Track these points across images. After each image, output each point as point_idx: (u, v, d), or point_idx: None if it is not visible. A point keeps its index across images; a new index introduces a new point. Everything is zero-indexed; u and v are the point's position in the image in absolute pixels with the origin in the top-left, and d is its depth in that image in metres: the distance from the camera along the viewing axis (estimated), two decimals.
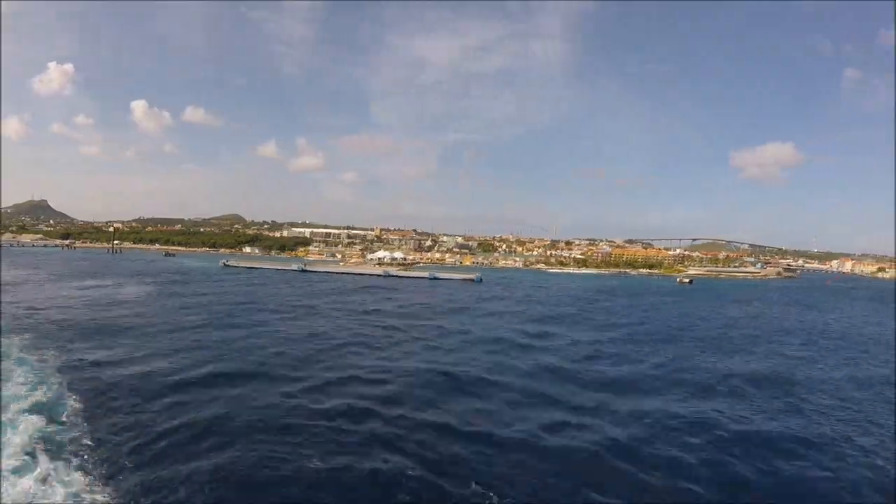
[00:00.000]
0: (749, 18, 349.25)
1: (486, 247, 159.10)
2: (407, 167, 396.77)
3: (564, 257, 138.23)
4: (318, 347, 25.64)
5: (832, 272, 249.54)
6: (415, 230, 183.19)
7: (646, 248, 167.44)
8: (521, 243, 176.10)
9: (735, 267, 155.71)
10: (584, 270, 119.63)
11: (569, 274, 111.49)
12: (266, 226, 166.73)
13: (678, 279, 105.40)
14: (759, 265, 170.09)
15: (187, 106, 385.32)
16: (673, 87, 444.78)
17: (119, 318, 31.45)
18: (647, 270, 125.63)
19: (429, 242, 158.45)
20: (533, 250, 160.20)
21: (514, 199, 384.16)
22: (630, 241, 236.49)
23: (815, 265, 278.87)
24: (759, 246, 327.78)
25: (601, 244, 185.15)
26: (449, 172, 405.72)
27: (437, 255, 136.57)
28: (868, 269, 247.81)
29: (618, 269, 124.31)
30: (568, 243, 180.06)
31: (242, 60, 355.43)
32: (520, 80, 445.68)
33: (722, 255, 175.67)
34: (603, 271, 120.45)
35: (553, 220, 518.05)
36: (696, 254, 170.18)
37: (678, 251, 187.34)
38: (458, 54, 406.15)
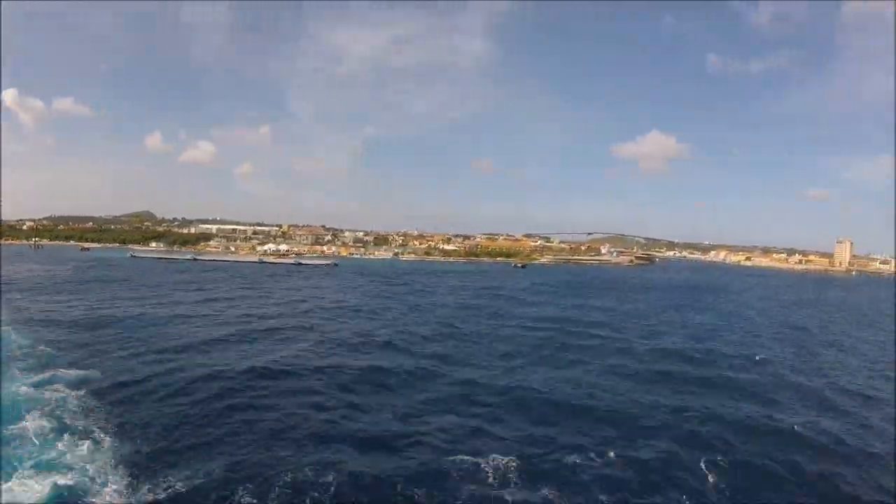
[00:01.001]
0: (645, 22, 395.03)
1: (380, 241, 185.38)
2: (325, 162, 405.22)
3: (444, 249, 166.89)
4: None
5: (699, 261, 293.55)
6: (323, 226, 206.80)
7: (519, 241, 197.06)
8: (421, 238, 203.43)
9: (591, 256, 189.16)
10: (440, 258, 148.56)
11: (421, 260, 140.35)
12: (176, 223, 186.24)
13: (512, 264, 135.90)
14: (614, 254, 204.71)
15: (82, 96, 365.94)
16: (582, 85, 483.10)
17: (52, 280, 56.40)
18: (503, 258, 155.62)
19: (328, 237, 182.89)
20: (427, 243, 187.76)
21: (433, 195, 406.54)
22: (528, 236, 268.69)
23: (697, 255, 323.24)
24: (654, 239, 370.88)
25: (478, 238, 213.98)
26: (368, 167, 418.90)
27: (332, 249, 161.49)
28: (735, 258, 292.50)
29: (476, 258, 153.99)
30: (459, 237, 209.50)
31: (151, 46, 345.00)
32: (441, 76, 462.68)
33: (584, 248, 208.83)
34: (461, 259, 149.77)
35: (468, 215, 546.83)
36: (563, 245, 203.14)
37: (559, 243, 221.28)
38: (379, 47, 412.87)
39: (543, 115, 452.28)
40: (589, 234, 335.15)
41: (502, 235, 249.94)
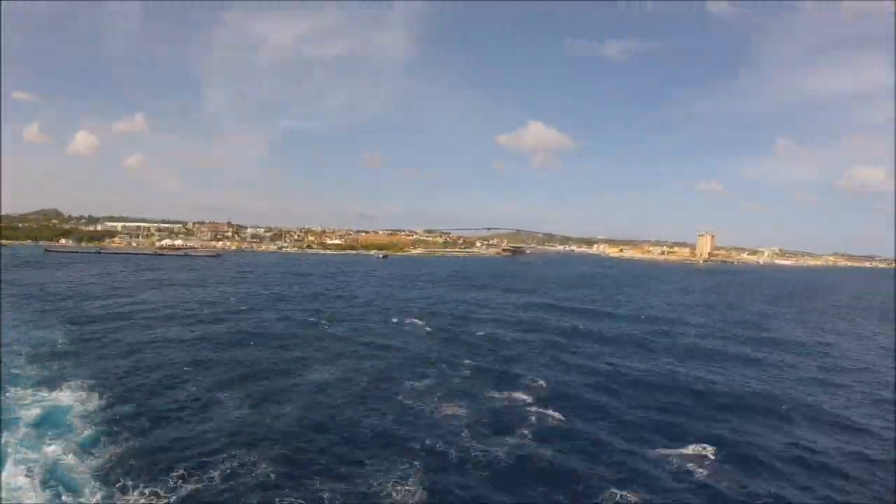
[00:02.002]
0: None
1: (277, 237, 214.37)
2: (238, 156, 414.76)
3: (325, 243, 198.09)
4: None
5: (583, 253, 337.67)
6: (228, 222, 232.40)
7: (395, 235, 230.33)
8: (322, 233, 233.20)
9: (462, 248, 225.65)
10: (319, 251, 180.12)
11: (303, 253, 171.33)
12: (83, 220, 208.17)
13: (375, 255, 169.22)
14: (484, 247, 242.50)
15: None
16: (492, 85, 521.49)
17: None
18: (377, 250, 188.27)
19: (229, 233, 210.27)
20: (328, 239, 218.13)
21: (348, 190, 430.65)
22: (429, 231, 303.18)
23: (584, 249, 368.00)
24: (551, 234, 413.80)
25: (380, 233, 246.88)
26: (283, 161, 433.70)
27: (227, 244, 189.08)
28: (611, 251, 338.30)
29: (354, 250, 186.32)
30: (361, 232, 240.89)
31: (58, 30, 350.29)
32: (360, 69, 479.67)
33: (461, 241, 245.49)
34: (338, 252, 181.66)
35: (380, 210, 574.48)
36: (439, 238, 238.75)
37: (439, 237, 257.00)
38: (298, 37, 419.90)
39: (454, 111, 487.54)
40: (488, 228, 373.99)
41: (404, 231, 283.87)
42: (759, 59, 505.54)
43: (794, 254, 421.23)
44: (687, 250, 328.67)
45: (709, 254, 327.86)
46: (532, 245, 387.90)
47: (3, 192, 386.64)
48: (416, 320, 45.46)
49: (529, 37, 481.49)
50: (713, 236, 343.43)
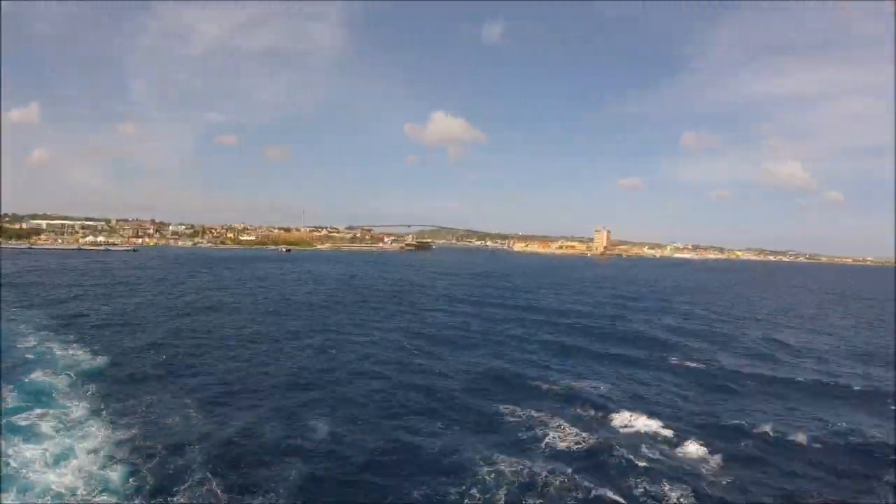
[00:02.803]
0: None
1: (196, 234, 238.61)
2: (164, 150, 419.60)
3: (238, 239, 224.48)
4: None
5: (496, 249, 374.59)
6: (151, 220, 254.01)
7: (303, 231, 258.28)
8: (242, 230, 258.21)
9: (369, 244, 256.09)
10: (231, 246, 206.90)
11: (216, 248, 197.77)
12: (7, 218, 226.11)
13: (280, 249, 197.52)
14: (391, 241, 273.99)
15: None
16: (419, 80, 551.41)
17: None
18: (284, 245, 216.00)
19: (151, 231, 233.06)
20: (242, 236, 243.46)
21: (278, 186, 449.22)
22: (350, 227, 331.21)
23: (497, 244, 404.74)
24: (471, 230, 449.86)
25: (303, 230, 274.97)
26: (208, 156, 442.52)
27: (150, 241, 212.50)
28: (518, 246, 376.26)
29: (263, 245, 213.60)
30: (281, 229, 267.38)
31: None
32: (292, 62, 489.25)
33: (369, 237, 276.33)
34: (250, 247, 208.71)
35: (309, 207, 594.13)
36: (347, 234, 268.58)
37: (359, 234, 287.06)
38: (229, 27, 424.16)
39: (381, 106, 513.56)
40: (409, 225, 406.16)
41: (327, 228, 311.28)
42: (688, 63, 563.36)
43: (706, 248, 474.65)
44: (584, 245, 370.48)
45: (604, 248, 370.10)
46: (452, 241, 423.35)
47: None
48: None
49: (459, 38, 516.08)
50: (609, 232, 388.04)
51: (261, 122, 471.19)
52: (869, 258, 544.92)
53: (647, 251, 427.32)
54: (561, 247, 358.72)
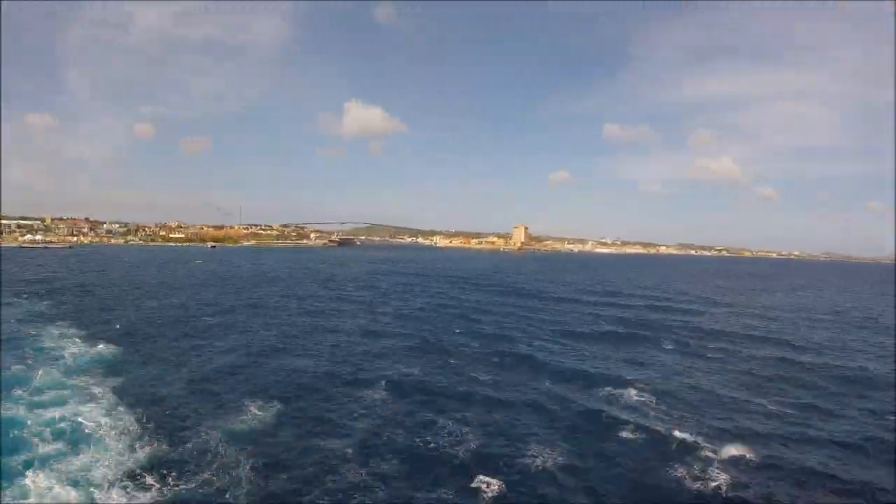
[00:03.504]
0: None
1: (128, 231, 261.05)
2: (103, 146, 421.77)
3: (168, 237, 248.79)
4: None
5: (419, 245, 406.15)
6: (86, 218, 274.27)
7: (234, 229, 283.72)
8: (176, 228, 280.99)
9: (295, 240, 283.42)
10: (160, 243, 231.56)
11: (145, 245, 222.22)
12: None
13: (206, 246, 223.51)
14: (316, 238, 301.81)
15: None
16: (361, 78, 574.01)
17: None
18: (211, 242, 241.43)
19: (85, 229, 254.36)
20: (175, 234, 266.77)
21: (218, 184, 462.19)
22: (285, 225, 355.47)
23: (421, 241, 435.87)
24: (406, 228, 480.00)
25: (236, 227, 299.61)
26: (145, 151, 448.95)
27: (85, 239, 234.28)
28: (442, 242, 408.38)
29: (191, 242, 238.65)
30: (213, 226, 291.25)
31: None
32: (234, 55, 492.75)
33: (295, 234, 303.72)
34: (176, 244, 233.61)
35: (247, 205, 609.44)
36: (276, 231, 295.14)
37: (285, 231, 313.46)
38: (170, 15, 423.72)
39: (333, 105, 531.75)
40: (342, 223, 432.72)
41: (260, 225, 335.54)
42: (630, 63, 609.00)
43: (632, 244, 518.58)
44: (503, 241, 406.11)
45: (521, 243, 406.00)
46: (386, 238, 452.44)
47: None
48: None
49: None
50: (526, 228, 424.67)
51: (197, 117, 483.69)
52: (795, 252, 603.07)
53: (566, 246, 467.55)
54: (480, 243, 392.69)
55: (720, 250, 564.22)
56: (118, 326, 38.91)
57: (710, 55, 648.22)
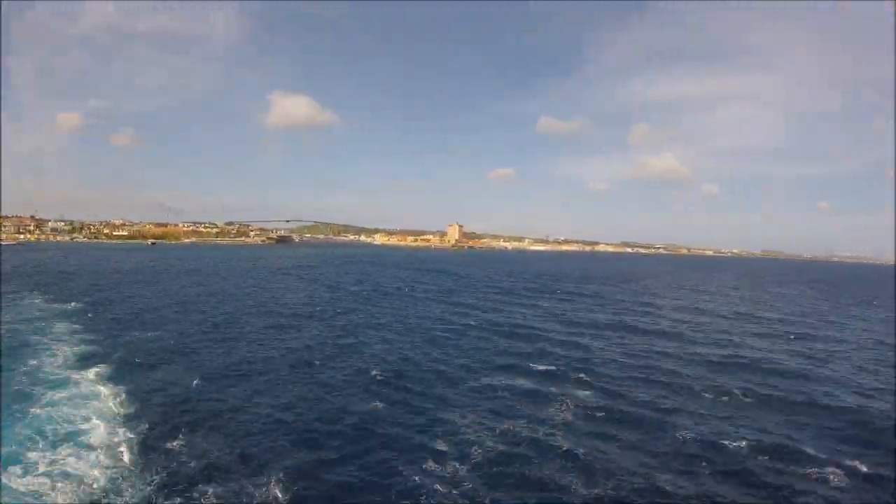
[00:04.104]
0: None
1: (74, 229, 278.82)
2: (46, 139, 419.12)
3: (112, 234, 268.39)
4: None
5: (359, 242, 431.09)
6: (32, 216, 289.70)
7: (176, 227, 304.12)
8: (120, 226, 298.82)
9: (233, 238, 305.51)
10: (104, 241, 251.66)
11: (89, 243, 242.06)
12: None
13: (148, 242, 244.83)
14: (252, 235, 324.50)
15: None
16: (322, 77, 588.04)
17: None
18: (152, 239, 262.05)
19: (31, 227, 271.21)
20: (119, 231, 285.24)
21: (166, 179, 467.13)
22: (229, 223, 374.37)
23: (363, 238, 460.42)
24: (347, 225, 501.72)
25: (180, 225, 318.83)
26: (91, 146, 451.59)
27: (31, 237, 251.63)
28: (382, 240, 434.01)
29: (133, 240, 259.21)
30: (157, 224, 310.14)
31: None
32: (185, 48, 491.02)
33: (234, 232, 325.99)
34: (120, 241, 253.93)
35: (193, 202, 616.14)
36: (210, 230, 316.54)
37: (223, 226, 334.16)
38: (121, 5, 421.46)
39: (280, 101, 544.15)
40: (287, 221, 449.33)
41: (204, 223, 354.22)
42: (582, 64, 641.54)
43: (571, 242, 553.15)
44: (438, 239, 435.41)
45: (456, 241, 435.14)
46: (330, 236, 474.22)
47: None
48: None
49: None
50: (461, 226, 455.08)
51: (142, 112, 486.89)
52: (734, 250, 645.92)
53: (501, 244, 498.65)
54: (416, 240, 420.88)
55: (658, 248, 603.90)
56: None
57: (660, 57, 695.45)
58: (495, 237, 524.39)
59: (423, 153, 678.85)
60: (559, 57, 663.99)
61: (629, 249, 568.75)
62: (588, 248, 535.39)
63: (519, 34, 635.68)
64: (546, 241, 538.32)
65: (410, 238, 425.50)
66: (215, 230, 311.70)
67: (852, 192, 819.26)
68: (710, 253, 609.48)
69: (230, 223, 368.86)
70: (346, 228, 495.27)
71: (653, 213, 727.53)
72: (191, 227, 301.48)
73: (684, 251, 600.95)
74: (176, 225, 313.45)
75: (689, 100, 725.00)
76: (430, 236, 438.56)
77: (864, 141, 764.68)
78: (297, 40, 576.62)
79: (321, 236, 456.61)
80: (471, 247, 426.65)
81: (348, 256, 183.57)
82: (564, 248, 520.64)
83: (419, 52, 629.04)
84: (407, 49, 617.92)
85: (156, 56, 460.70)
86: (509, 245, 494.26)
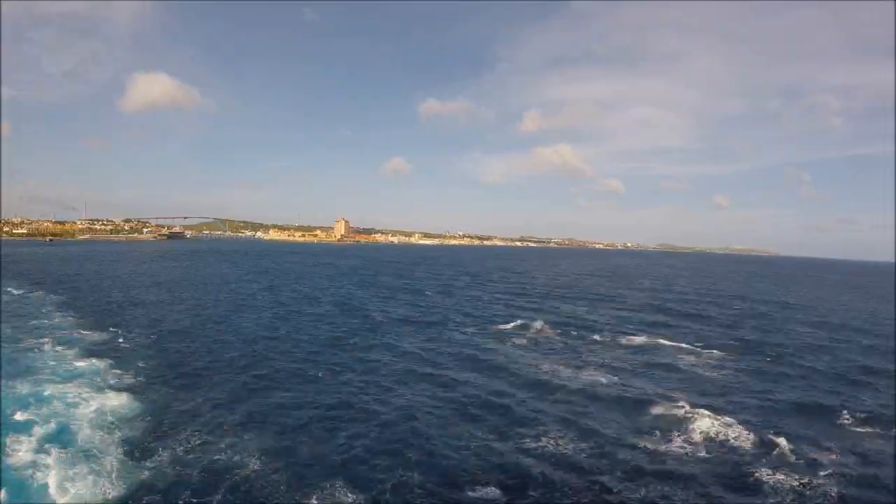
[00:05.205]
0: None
1: None
2: None
3: (15, 232, 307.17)
4: None
5: (254, 239, 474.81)
6: None
7: (72, 224, 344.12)
8: (19, 224, 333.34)
9: (127, 235, 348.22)
10: (5, 238, 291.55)
11: None
12: None
13: (46, 239, 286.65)
14: (145, 232, 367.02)
15: None
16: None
17: None
18: (50, 237, 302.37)
19: None
20: (18, 229, 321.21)
21: (67, 174, 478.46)
22: (127, 220, 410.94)
23: (269, 235, 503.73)
24: (246, 222, 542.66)
25: (77, 223, 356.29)
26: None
27: None
28: (279, 236, 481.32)
29: (34, 237, 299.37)
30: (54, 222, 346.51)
31: None
32: (93, 30, 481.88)
33: (128, 227, 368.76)
34: (18, 238, 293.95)
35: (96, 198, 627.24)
36: (104, 227, 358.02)
37: (119, 226, 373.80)
38: None
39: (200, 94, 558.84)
40: (185, 217, 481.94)
41: (101, 220, 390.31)
42: (495, 65, 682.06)
43: (457, 235, 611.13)
44: (325, 233, 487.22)
45: (342, 235, 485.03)
46: (228, 232, 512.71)
47: None
48: None
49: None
50: (347, 221, 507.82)
51: (42, 101, 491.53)
52: (629, 244, 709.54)
53: (389, 239, 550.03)
54: (304, 236, 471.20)
55: (548, 241, 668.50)
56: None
57: (571, 59, 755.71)
58: (386, 232, 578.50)
59: (317, 148, 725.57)
60: (467, 55, 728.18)
61: (518, 243, 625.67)
62: (477, 243, 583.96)
63: (427, 33, 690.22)
64: (432, 236, 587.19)
65: (298, 234, 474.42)
66: (110, 227, 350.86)
67: (751, 190, 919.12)
68: (601, 246, 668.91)
69: (128, 220, 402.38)
70: (245, 225, 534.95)
71: (555, 210, 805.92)
72: (86, 225, 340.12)
73: (577, 244, 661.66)
74: (74, 223, 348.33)
75: (596, 99, 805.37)
76: (319, 231, 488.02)
77: (766, 142, 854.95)
78: (207, 28, 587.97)
79: (219, 233, 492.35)
80: (357, 241, 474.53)
81: (218, 251, 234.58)
82: (452, 242, 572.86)
83: (315, 49, 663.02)
84: (305, 47, 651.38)
85: (62, 39, 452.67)
86: (395, 239, 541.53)
